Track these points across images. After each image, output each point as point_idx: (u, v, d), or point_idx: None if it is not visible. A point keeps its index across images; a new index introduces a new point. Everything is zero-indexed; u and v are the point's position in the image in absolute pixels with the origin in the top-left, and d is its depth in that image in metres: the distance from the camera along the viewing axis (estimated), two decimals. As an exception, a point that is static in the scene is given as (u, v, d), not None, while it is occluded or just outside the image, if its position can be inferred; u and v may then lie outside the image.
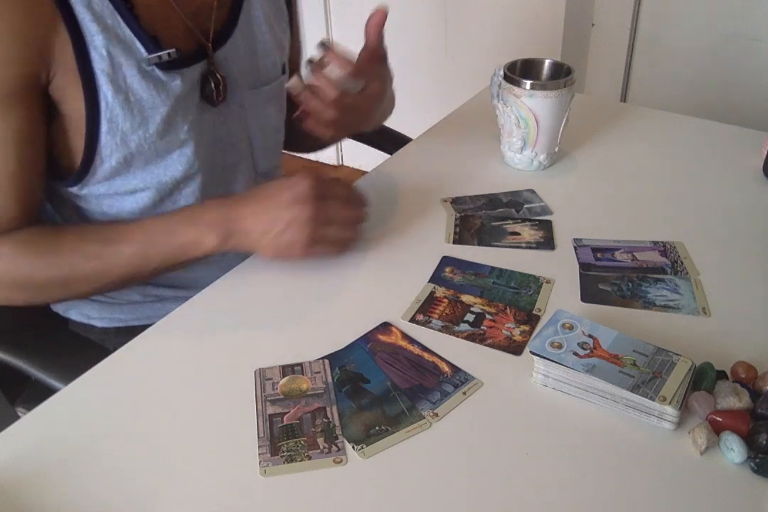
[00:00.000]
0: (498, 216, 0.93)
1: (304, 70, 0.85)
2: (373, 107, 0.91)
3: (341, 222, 0.81)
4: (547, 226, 0.91)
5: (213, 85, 0.85)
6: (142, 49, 0.77)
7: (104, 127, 0.78)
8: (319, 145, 1.16)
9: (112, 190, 0.84)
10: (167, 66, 0.80)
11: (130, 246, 0.78)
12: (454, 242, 0.88)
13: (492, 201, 0.97)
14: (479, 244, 0.88)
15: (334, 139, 1.11)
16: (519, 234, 0.90)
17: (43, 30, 0.72)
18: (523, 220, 0.92)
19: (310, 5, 2.35)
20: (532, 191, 0.98)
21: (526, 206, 0.95)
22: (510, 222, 0.92)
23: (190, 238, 0.77)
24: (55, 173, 0.83)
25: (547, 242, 0.88)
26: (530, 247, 0.87)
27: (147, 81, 0.78)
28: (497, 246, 0.88)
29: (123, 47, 0.76)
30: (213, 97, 0.85)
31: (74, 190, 0.84)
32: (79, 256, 0.78)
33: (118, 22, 0.75)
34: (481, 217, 0.93)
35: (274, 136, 1.00)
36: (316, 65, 0.83)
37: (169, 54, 0.78)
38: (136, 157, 0.82)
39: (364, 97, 0.87)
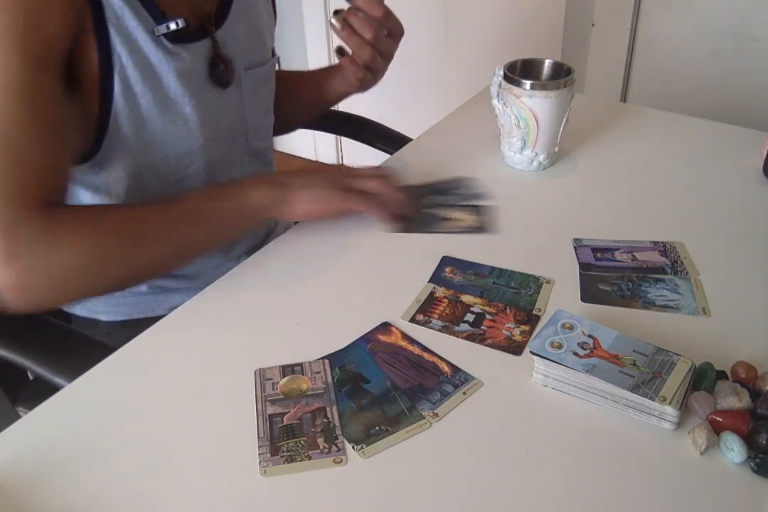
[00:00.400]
0: (430, 203, 0.96)
1: (333, 20, 0.92)
2: (393, 53, 1.00)
3: (371, 183, 0.88)
4: (481, 211, 0.94)
5: (222, 67, 0.88)
6: (151, 19, 0.79)
7: (117, 87, 0.79)
8: (298, 123, 1.21)
9: (123, 170, 0.85)
10: (174, 38, 0.82)
11: (186, 203, 0.80)
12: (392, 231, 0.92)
13: (428, 188, 0.99)
14: (414, 232, 0.91)
15: (346, 94, 1.13)
16: (453, 219, 0.92)
17: None
18: (457, 206, 0.95)
19: (310, 5, 2.35)
20: (472, 178, 1.01)
21: (458, 191, 0.98)
22: (444, 208, 0.95)
23: (243, 193, 0.81)
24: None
25: (482, 227, 0.91)
26: (464, 232, 0.90)
27: (158, 48, 0.80)
28: (430, 232, 0.90)
29: (135, 12, 0.78)
30: (223, 78, 0.89)
31: (88, 168, 0.84)
32: (130, 218, 0.78)
33: None
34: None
35: (266, 117, 1.02)
36: (348, 12, 0.92)
37: (177, 23, 0.80)
38: (147, 124, 0.82)
39: (392, 39, 0.97)
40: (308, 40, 2.44)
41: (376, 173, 0.90)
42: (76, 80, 0.78)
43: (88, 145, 0.82)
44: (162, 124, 0.83)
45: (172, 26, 0.80)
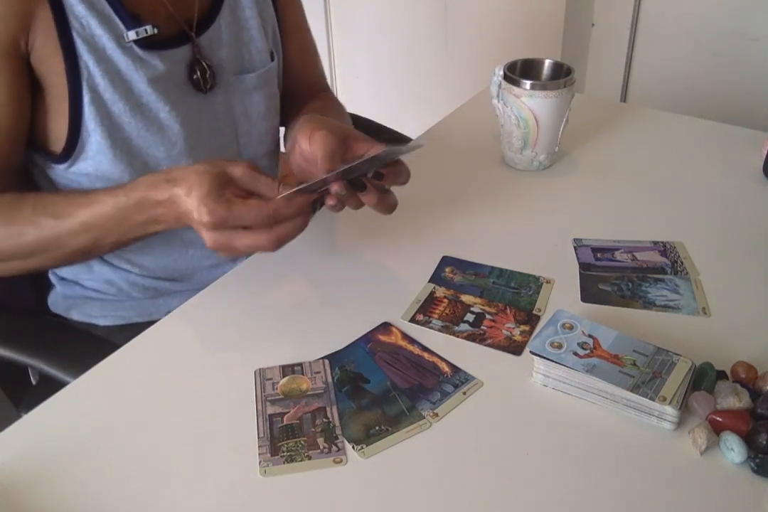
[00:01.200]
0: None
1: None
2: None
3: (249, 247, 0.70)
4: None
5: (199, 72, 0.86)
6: (121, 25, 0.79)
7: (86, 96, 0.79)
8: None
9: (100, 171, 0.84)
10: (147, 45, 0.81)
11: (81, 226, 0.76)
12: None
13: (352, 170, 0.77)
14: None
15: None
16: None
17: None
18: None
19: (310, 5, 2.35)
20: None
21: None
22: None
23: (141, 221, 0.74)
24: (44, 152, 0.84)
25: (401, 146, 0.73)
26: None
27: (126, 56, 0.80)
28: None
29: (102, 19, 0.77)
30: (202, 83, 0.87)
31: (62, 168, 0.84)
32: (32, 227, 0.77)
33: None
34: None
35: (261, 124, 0.98)
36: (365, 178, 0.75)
37: (146, 30, 0.80)
38: (120, 131, 0.82)
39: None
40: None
41: (260, 212, 0.68)
42: (44, 85, 0.78)
43: (62, 146, 0.82)
44: (136, 130, 0.83)
45: (142, 33, 0.79)
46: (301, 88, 1.06)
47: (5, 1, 0.73)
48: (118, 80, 0.80)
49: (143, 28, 0.79)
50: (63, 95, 0.78)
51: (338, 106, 1.05)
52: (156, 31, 0.81)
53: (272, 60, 0.97)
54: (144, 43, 0.81)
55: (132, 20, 0.79)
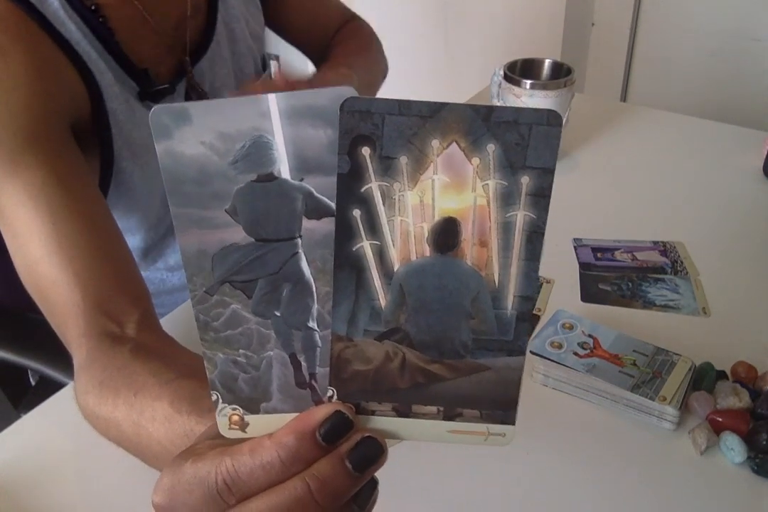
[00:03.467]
0: None
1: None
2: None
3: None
4: None
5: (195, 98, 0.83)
6: (134, 83, 0.75)
7: (117, 155, 0.75)
8: None
9: (137, 218, 0.81)
10: (156, 97, 0.78)
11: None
12: None
13: None
14: None
15: None
16: None
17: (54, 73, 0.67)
18: None
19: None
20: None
21: None
22: None
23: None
24: None
25: None
26: None
27: (143, 107, 0.76)
28: None
29: (121, 85, 0.74)
30: None
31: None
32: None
33: (108, 59, 0.72)
34: None
35: None
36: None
37: (159, 86, 0.77)
38: (138, 179, 0.78)
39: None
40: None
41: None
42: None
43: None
44: (134, 175, 0.78)
45: (154, 92, 0.76)
46: (316, 29, 1.03)
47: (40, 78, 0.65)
48: (139, 149, 0.76)
49: (159, 87, 0.76)
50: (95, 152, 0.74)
51: (356, 45, 1.02)
52: (167, 86, 0.77)
53: (264, 69, 0.95)
54: (154, 96, 0.77)
55: (144, 74, 0.76)
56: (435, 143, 0.32)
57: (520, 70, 1.00)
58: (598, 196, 0.98)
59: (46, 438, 0.65)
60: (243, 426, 0.36)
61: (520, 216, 0.33)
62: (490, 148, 0.32)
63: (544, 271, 0.82)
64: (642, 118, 1.18)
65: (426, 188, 0.32)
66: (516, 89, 0.96)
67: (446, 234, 0.33)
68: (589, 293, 0.80)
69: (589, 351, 0.66)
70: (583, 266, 0.84)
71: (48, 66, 0.66)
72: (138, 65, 0.75)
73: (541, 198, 0.33)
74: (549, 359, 0.65)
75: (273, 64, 0.83)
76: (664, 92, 1.99)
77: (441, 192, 0.32)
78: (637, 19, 1.94)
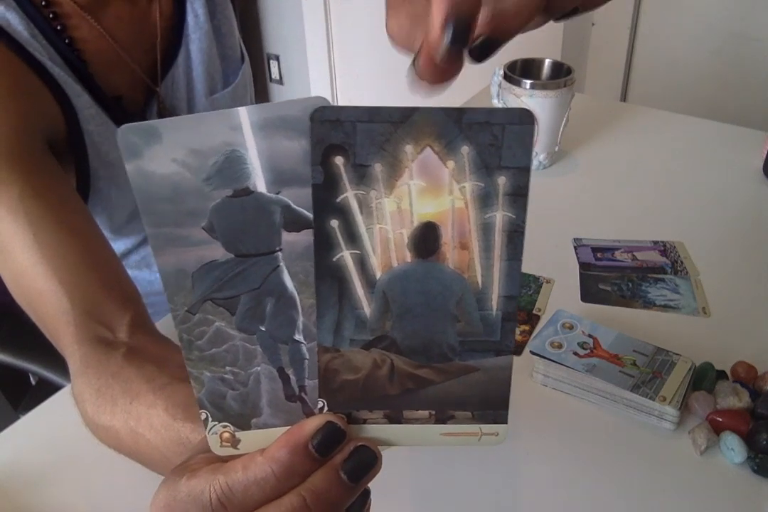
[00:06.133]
0: None
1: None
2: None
3: None
4: None
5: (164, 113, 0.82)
6: (106, 113, 0.75)
7: (94, 168, 0.75)
8: None
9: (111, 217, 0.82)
10: (134, 119, 0.77)
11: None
12: None
13: None
14: None
15: None
16: None
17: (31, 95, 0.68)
18: None
19: (310, 5, 2.35)
20: None
21: None
22: None
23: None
24: None
25: None
26: None
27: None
28: None
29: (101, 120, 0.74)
30: None
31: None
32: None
33: (82, 86, 0.73)
34: None
35: None
36: None
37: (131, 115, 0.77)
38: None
39: None
40: (308, 40, 2.45)
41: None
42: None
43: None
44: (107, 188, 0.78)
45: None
46: None
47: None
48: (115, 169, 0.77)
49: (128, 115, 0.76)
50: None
51: None
52: (136, 115, 0.77)
53: (242, 61, 0.92)
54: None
55: (115, 101, 0.76)
56: (408, 148, 0.31)
57: (520, 70, 1.00)
58: (598, 196, 0.98)
59: (45, 439, 0.65)
60: (235, 443, 0.36)
61: (499, 216, 0.33)
62: (465, 150, 0.32)
63: (544, 271, 0.82)
64: (642, 118, 1.18)
65: (402, 194, 0.32)
66: (516, 89, 0.96)
67: (426, 239, 0.33)
68: (589, 293, 0.80)
69: (589, 351, 0.66)
70: (583, 266, 0.84)
71: (20, 86, 0.67)
72: (111, 94, 0.75)
73: (518, 197, 0.33)
74: (549, 359, 0.65)
75: None
76: (664, 92, 1.99)
77: (418, 197, 0.32)
78: (637, 19, 1.94)
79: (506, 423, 0.35)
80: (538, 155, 1.02)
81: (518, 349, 0.72)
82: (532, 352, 0.67)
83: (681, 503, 0.58)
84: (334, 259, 0.32)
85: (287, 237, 0.33)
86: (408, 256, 0.33)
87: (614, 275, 0.82)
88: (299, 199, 0.32)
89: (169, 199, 0.32)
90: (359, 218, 0.32)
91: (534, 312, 0.77)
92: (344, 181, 0.32)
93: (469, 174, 0.32)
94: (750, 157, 1.03)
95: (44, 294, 0.60)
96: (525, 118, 0.32)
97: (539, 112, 0.97)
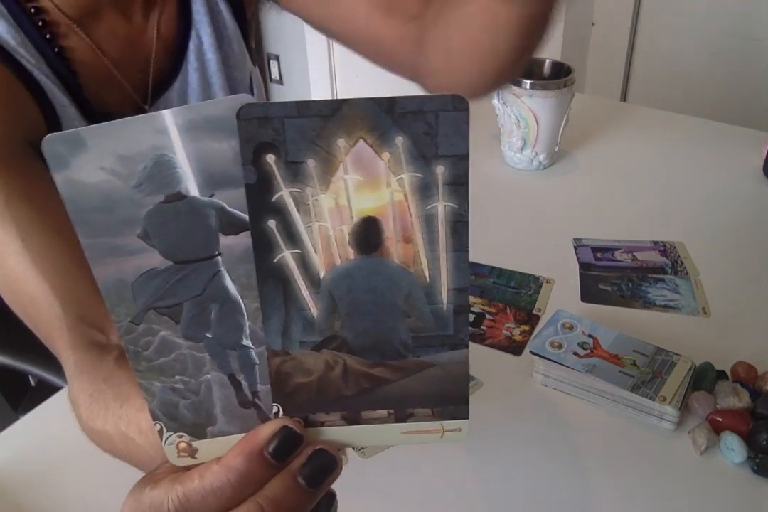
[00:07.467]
0: None
1: None
2: None
3: None
4: None
5: None
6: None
7: None
8: None
9: None
10: None
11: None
12: None
13: None
14: None
15: None
16: None
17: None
18: None
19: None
20: None
21: None
22: None
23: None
24: None
25: None
26: None
27: None
28: None
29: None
30: None
31: None
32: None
33: (70, 98, 0.71)
34: None
35: None
36: None
37: None
38: None
39: None
40: (308, 40, 2.44)
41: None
42: None
43: None
44: None
45: None
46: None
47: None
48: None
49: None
50: None
51: None
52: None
53: (251, 93, 0.90)
54: None
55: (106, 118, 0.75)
56: (341, 142, 0.31)
57: (520, 70, 1.00)
58: (598, 196, 0.98)
59: (45, 439, 0.65)
60: (192, 452, 0.35)
61: (441, 207, 0.32)
62: (399, 140, 0.31)
63: (544, 271, 0.82)
64: (642, 118, 1.18)
65: (339, 190, 0.31)
66: (516, 89, 0.96)
67: (367, 234, 0.32)
68: (589, 293, 0.80)
69: (589, 351, 0.66)
70: (583, 266, 0.84)
71: (3, 92, 0.66)
72: (100, 110, 0.74)
73: (459, 186, 0.32)
74: (549, 359, 0.65)
75: None
76: (664, 92, 1.99)
77: (355, 192, 0.31)
78: (637, 19, 1.94)
79: (468, 418, 0.34)
80: (538, 155, 1.02)
81: (518, 349, 0.72)
82: (532, 352, 0.67)
83: (681, 503, 0.58)
84: (275, 260, 0.32)
85: (225, 240, 0.32)
86: (351, 253, 0.32)
87: (614, 275, 0.82)
88: (234, 201, 0.31)
89: (101, 209, 0.31)
90: (297, 217, 0.31)
91: (534, 312, 0.77)
92: (278, 179, 0.31)
93: (405, 165, 0.31)
94: (750, 157, 1.03)
95: (36, 300, 0.60)
96: (459, 104, 0.31)
97: (539, 112, 0.97)
